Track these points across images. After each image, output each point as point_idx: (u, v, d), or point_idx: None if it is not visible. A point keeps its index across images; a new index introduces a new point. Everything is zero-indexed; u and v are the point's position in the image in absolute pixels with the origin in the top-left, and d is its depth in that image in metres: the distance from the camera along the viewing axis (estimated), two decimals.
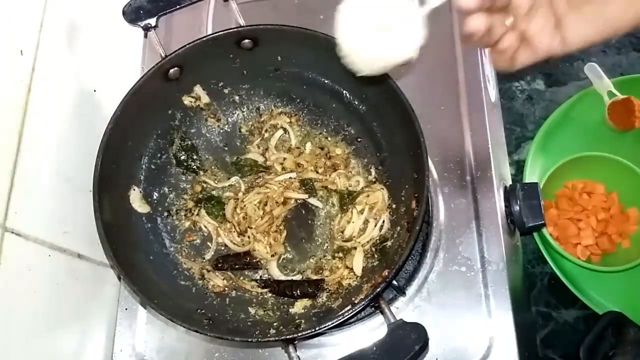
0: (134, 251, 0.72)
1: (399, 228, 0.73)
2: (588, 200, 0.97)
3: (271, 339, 0.64)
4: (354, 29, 0.52)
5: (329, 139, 0.83)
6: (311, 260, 0.78)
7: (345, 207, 0.78)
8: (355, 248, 0.75)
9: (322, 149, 0.83)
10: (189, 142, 0.83)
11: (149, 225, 0.77)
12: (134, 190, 0.76)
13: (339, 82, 0.80)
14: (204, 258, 0.78)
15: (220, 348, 0.76)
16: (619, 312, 0.80)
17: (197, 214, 0.80)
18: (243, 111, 0.86)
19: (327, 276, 0.75)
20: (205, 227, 0.80)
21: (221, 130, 0.85)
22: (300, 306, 0.73)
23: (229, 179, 0.82)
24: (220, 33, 0.75)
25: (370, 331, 0.74)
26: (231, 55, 0.79)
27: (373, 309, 0.73)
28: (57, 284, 0.69)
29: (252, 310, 0.73)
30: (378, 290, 0.62)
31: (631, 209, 0.95)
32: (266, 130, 0.84)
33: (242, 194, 0.81)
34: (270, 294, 0.75)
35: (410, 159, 0.71)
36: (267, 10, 0.95)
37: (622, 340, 0.76)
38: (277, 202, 0.79)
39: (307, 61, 0.79)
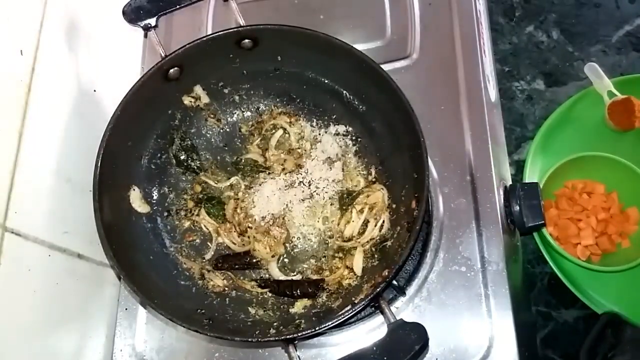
0: (134, 251, 0.72)
1: (399, 228, 0.73)
2: (588, 200, 0.97)
3: (271, 339, 0.64)
4: None
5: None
6: (311, 260, 0.78)
7: (345, 207, 0.78)
8: (355, 248, 0.75)
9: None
10: (189, 142, 0.83)
11: (149, 225, 0.77)
12: (134, 190, 0.76)
13: (339, 82, 0.80)
14: (204, 258, 0.78)
15: (220, 348, 0.76)
16: (616, 313, 0.80)
17: (197, 214, 0.80)
18: (243, 111, 0.86)
19: (327, 276, 0.75)
20: (206, 227, 0.80)
21: (221, 130, 0.85)
22: (300, 306, 0.73)
23: (229, 179, 0.82)
24: (220, 33, 0.75)
25: (370, 331, 0.74)
26: (231, 55, 0.79)
27: (373, 309, 0.73)
28: (57, 284, 0.69)
29: (252, 310, 0.73)
30: (378, 290, 0.62)
31: (631, 209, 0.95)
32: (266, 130, 0.84)
33: (242, 194, 0.81)
34: (270, 294, 0.75)
35: (410, 159, 0.71)
36: (267, 10, 0.95)
37: (620, 340, 0.76)
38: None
39: (307, 61, 0.79)
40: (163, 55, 0.75)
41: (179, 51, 0.74)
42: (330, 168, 0.80)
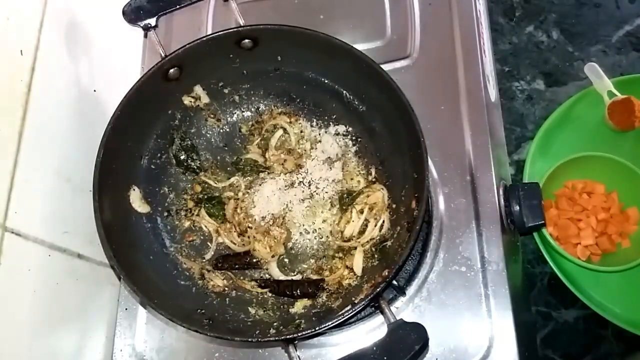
0: (134, 251, 0.72)
1: (399, 228, 0.73)
2: (588, 200, 0.97)
3: (271, 339, 0.64)
4: None
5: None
6: (311, 260, 0.78)
7: (345, 207, 0.78)
8: (355, 248, 0.75)
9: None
10: (189, 142, 0.83)
11: (149, 225, 0.77)
12: (134, 190, 0.76)
13: (339, 82, 0.80)
14: (204, 258, 0.78)
15: (220, 348, 0.76)
16: None
17: (197, 214, 0.80)
18: (243, 111, 0.86)
19: (327, 276, 0.75)
20: (206, 227, 0.80)
21: (221, 130, 0.85)
22: (300, 306, 0.73)
23: (229, 179, 0.82)
24: (220, 33, 0.75)
25: (370, 331, 0.74)
26: (231, 55, 0.79)
27: (373, 309, 0.73)
28: (57, 284, 0.69)
29: (252, 310, 0.73)
30: (378, 290, 0.62)
31: (631, 209, 0.95)
32: (266, 130, 0.84)
33: (242, 194, 0.81)
34: (270, 294, 0.75)
35: (410, 159, 0.71)
36: (267, 10, 0.95)
37: None
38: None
39: (307, 61, 0.79)
40: (163, 55, 0.75)
41: (179, 51, 0.74)
42: (330, 168, 0.80)
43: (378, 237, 0.75)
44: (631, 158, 0.94)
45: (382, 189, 0.77)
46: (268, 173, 0.82)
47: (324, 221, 0.78)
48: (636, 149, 0.98)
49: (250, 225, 0.78)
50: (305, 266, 0.77)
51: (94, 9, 0.84)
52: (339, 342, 0.74)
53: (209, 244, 0.79)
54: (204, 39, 0.75)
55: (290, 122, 0.83)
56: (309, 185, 0.80)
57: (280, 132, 0.84)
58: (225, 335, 0.64)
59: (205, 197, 0.81)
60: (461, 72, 0.86)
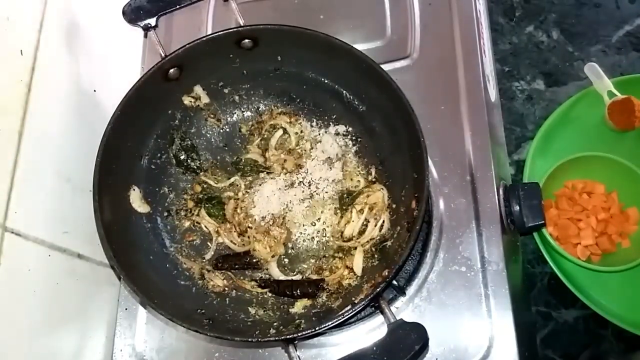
0: (134, 251, 0.72)
1: (399, 228, 0.73)
2: (588, 200, 0.97)
3: (271, 339, 0.64)
4: None
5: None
6: (311, 260, 0.77)
7: (345, 207, 0.78)
8: (355, 248, 0.75)
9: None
10: (189, 142, 0.83)
11: (149, 225, 0.77)
12: (134, 190, 0.76)
13: (339, 82, 0.80)
14: (204, 258, 0.78)
15: (220, 348, 0.76)
16: None
17: (197, 214, 0.80)
18: (243, 111, 0.86)
19: (327, 276, 0.75)
20: (206, 227, 0.80)
21: (221, 130, 0.85)
22: (300, 306, 0.73)
23: (229, 179, 0.82)
24: (220, 33, 0.75)
25: (370, 331, 0.74)
26: (231, 55, 0.79)
27: (373, 309, 0.73)
28: (57, 284, 0.69)
29: (252, 310, 0.73)
30: (378, 290, 0.62)
31: (631, 209, 0.95)
32: (266, 130, 0.84)
33: (242, 194, 0.81)
34: (270, 294, 0.75)
35: (410, 159, 0.71)
36: (267, 10, 0.95)
37: None
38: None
39: (307, 61, 0.79)
40: (163, 55, 0.75)
41: (179, 51, 0.74)
42: (330, 168, 0.80)
43: (378, 237, 0.75)
44: (631, 158, 0.94)
45: (382, 189, 0.77)
46: (268, 173, 0.82)
47: (324, 221, 0.78)
48: (636, 149, 0.98)
49: (250, 225, 0.78)
50: (305, 266, 0.77)
51: (94, 9, 0.84)
52: (339, 342, 0.74)
53: (209, 244, 0.79)
54: (204, 39, 0.75)
55: (290, 122, 0.83)
56: (309, 185, 0.80)
57: (280, 132, 0.84)
58: (225, 335, 0.64)
59: (205, 197, 0.81)
60: (461, 72, 0.86)
